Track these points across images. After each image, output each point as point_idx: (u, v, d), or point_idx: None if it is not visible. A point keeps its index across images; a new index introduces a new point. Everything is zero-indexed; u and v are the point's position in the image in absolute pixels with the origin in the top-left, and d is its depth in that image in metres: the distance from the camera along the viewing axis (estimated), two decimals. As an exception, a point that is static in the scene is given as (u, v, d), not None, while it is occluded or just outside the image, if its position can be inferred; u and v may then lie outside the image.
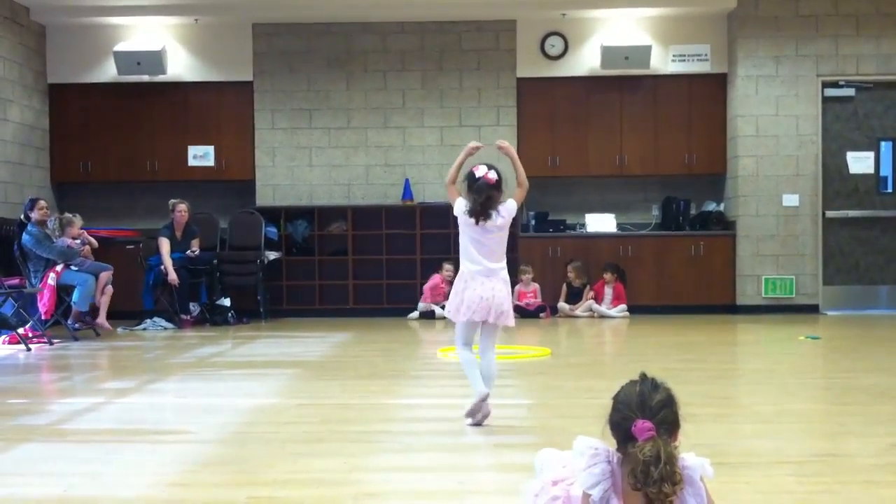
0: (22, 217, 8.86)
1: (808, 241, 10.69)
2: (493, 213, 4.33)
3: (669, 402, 2.31)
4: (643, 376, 2.38)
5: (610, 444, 2.36)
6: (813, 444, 4.04)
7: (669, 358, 7.07)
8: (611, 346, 8.43)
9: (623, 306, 10.57)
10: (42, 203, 8.80)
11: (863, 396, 5.15)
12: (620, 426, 2.29)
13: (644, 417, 2.26)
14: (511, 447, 4.00)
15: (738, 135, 10.73)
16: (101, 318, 8.93)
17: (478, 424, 4.28)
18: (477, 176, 4.31)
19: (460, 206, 4.39)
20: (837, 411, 4.81)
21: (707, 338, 8.56)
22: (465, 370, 4.39)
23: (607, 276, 10.62)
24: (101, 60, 11.19)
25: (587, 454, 2.33)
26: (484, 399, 4.25)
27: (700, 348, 7.77)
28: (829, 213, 10.72)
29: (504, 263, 4.43)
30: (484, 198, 4.29)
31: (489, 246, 4.37)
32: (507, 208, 4.38)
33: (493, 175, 4.32)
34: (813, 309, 10.66)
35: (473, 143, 4.61)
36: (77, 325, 8.83)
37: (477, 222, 4.33)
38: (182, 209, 10.09)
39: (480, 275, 4.34)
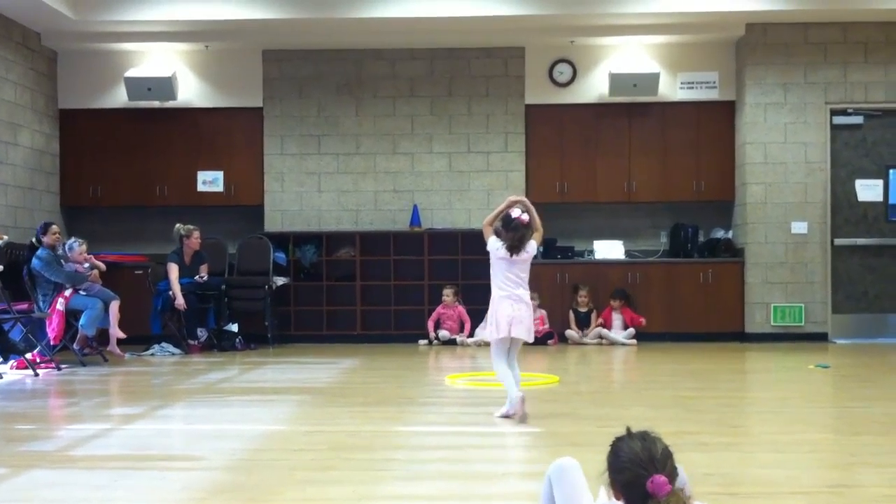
0: (33, 240, 8.89)
1: (817, 268, 10.66)
2: (522, 248, 5.33)
3: (669, 452, 2.30)
4: (631, 431, 2.35)
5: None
6: (826, 474, 4.01)
7: (680, 386, 7.04)
8: (620, 373, 8.39)
9: (631, 330, 10.53)
10: (55, 228, 8.83)
11: (875, 426, 5.12)
12: (634, 485, 2.24)
13: (657, 471, 2.22)
14: (519, 476, 3.98)
15: (746, 162, 10.73)
16: (113, 345, 9.00)
17: (506, 417, 5.23)
18: (513, 217, 5.33)
19: (494, 244, 5.40)
20: (850, 441, 4.77)
21: (716, 366, 8.51)
22: (503, 381, 5.32)
23: (615, 303, 10.61)
24: (111, 86, 11.26)
25: None
26: (522, 401, 5.17)
27: (710, 376, 7.73)
28: (838, 241, 10.69)
29: (527, 290, 5.43)
30: (520, 234, 5.32)
31: (516, 275, 5.37)
32: (532, 245, 5.40)
33: (525, 217, 5.35)
34: (822, 337, 10.60)
35: (514, 197, 5.56)
36: (85, 351, 8.83)
37: (511, 255, 5.32)
38: (197, 236, 10.14)
39: (508, 299, 5.33)
